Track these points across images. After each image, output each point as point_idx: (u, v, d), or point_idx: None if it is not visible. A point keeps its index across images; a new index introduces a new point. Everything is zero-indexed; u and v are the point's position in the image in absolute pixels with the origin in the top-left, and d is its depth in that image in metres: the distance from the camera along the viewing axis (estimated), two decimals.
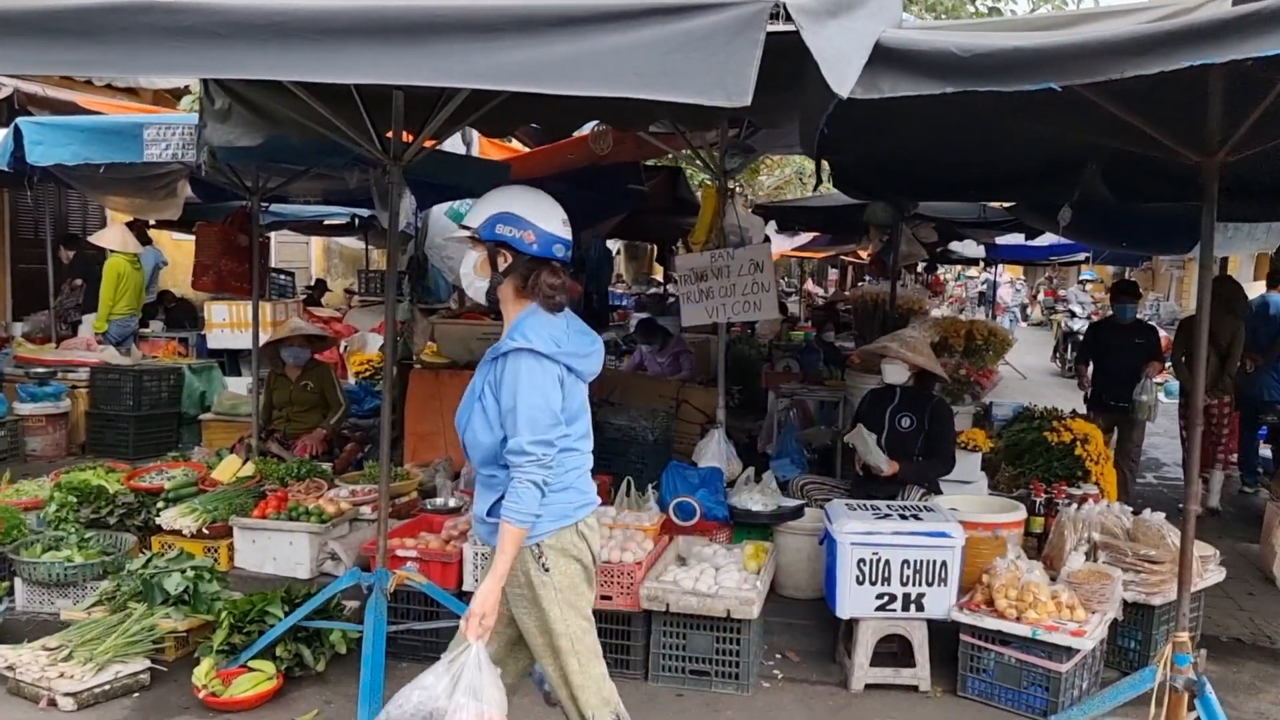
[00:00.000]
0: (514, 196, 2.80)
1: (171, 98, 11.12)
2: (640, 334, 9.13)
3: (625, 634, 4.27)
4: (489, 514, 2.79)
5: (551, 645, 2.80)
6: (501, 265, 2.76)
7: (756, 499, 5.17)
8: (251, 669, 4.03)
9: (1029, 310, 28.27)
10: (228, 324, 9.75)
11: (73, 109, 7.74)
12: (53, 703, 3.87)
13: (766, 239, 7.81)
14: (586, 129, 6.82)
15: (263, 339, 6.74)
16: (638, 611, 4.22)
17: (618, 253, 21.06)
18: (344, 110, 3.87)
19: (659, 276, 19.61)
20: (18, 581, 4.79)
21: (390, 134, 3.97)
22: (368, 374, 9.29)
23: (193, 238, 7.55)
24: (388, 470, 3.98)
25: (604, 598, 4.22)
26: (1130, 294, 7.55)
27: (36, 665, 3.96)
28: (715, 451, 5.75)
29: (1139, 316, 7.76)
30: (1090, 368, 7.65)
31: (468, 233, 2.80)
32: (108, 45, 2.44)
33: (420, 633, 4.33)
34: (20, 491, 5.67)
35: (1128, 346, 7.16)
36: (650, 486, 5.15)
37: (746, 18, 2.19)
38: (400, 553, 4.36)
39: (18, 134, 5.03)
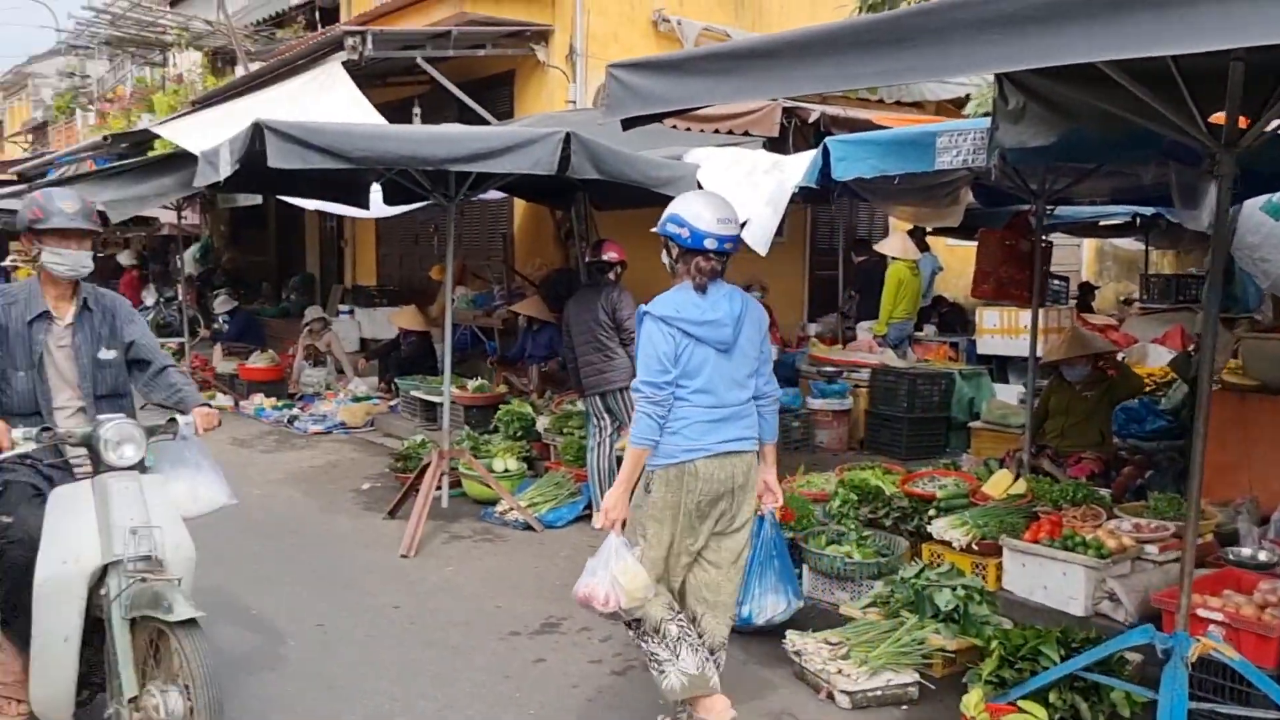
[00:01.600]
0: (683, 201, 3.55)
1: (953, 108, 11.36)
2: None
3: None
4: None
5: (639, 535, 3.54)
6: (674, 253, 3.54)
7: None
8: (1021, 709, 3.74)
9: None
10: (998, 330, 9.60)
11: (868, 126, 8.23)
12: (830, 696, 4.06)
13: None
14: None
15: (1039, 349, 6.46)
16: None
17: None
18: (1160, 93, 3.35)
19: None
20: (804, 568, 5.16)
21: (1216, 118, 3.35)
22: (1148, 389, 8.37)
23: (967, 244, 7.51)
24: (1196, 516, 3.35)
25: None
26: None
27: (819, 657, 4.17)
28: None
29: None
30: None
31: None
32: (919, 49, 2.33)
33: (1225, 715, 3.60)
34: (810, 483, 6.16)
35: None
36: None
37: None
38: (1202, 613, 3.68)
39: (825, 152, 5.40)
